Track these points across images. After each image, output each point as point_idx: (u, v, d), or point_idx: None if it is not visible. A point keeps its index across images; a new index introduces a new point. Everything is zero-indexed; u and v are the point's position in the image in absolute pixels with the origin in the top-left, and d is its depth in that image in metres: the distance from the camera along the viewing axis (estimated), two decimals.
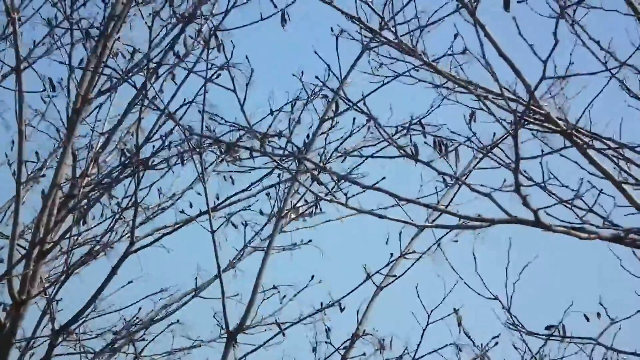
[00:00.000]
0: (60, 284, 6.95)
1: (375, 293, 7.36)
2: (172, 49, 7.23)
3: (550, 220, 5.12)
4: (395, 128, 6.81)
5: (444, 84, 5.38)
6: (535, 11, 5.19)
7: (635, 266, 5.39)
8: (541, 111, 5.26)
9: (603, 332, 5.67)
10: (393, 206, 5.16)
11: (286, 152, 5.41)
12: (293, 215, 7.36)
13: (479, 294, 5.65)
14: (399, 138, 6.72)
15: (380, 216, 5.13)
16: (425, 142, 5.94)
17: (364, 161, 6.59)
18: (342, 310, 7.32)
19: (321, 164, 5.49)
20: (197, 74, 7.06)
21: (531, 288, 6.11)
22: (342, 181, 5.31)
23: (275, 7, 6.55)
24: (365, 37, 5.57)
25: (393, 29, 5.31)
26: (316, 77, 6.15)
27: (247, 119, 5.31)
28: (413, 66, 5.38)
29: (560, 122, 5.24)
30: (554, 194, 5.21)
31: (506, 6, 5.17)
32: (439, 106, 6.91)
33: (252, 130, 5.37)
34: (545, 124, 5.30)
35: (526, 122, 5.29)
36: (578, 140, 5.22)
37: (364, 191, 5.18)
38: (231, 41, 6.28)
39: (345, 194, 5.15)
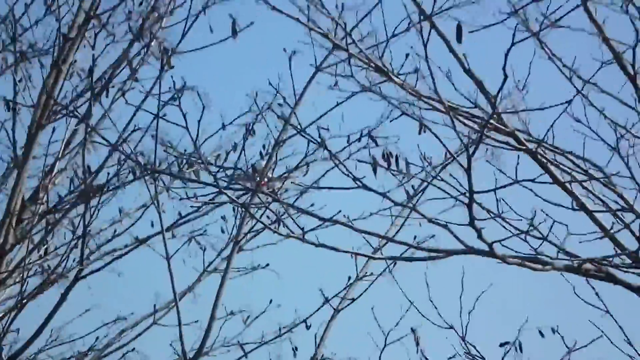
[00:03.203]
0: (15, 314, 6.86)
1: (332, 316, 7.36)
2: (119, 67, 7.21)
3: (504, 252, 5.14)
4: (347, 138, 6.84)
5: (403, 100, 5.36)
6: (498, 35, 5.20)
7: (588, 294, 5.41)
8: (506, 129, 5.26)
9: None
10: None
11: (239, 186, 5.38)
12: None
13: (434, 323, 5.65)
14: (356, 152, 6.73)
15: (336, 249, 5.17)
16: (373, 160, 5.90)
17: (309, 187, 6.52)
18: (308, 328, 7.31)
19: (275, 196, 5.45)
20: (151, 95, 7.03)
21: (487, 315, 6.12)
22: (299, 214, 5.29)
23: (234, 33, 6.48)
24: (323, 50, 5.55)
25: (353, 42, 5.30)
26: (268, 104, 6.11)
27: (201, 157, 5.27)
28: (377, 83, 5.35)
29: (524, 140, 5.23)
30: (509, 224, 5.22)
31: (459, 38, 5.17)
32: (388, 118, 6.88)
33: (205, 163, 5.34)
34: (509, 144, 5.29)
35: (485, 139, 5.27)
36: (542, 160, 5.23)
37: (322, 224, 5.18)
38: (182, 78, 6.22)
39: (302, 229, 5.12)
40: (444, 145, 5.05)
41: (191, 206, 6.88)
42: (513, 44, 4.82)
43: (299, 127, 5.79)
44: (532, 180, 5.08)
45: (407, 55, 5.38)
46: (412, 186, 6.18)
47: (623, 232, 5.23)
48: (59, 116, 7.19)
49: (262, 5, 5.50)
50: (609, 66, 5.27)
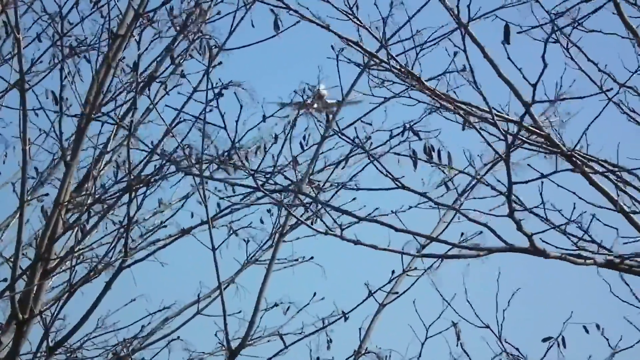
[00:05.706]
0: (64, 302, 7.01)
1: (377, 310, 7.38)
2: (164, 60, 7.33)
3: (544, 246, 5.15)
4: (389, 132, 6.88)
5: (440, 105, 5.41)
6: (531, 36, 5.22)
7: (623, 292, 5.40)
8: (540, 132, 5.26)
9: None
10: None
11: (280, 187, 5.45)
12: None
13: (470, 322, 5.68)
14: (397, 145, 6.79)
15: (375, 247, 5.19)
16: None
17: (344, 181, 6.56)
18: (345, 319, 7.36)
19: (315, 196, 5.51)
20: (197, 91, 7.13)
21: (526, 313, 6.13)
22: (339, 214, 5.34)
23: (276, 27, 6.54)
24: (365, 56, 5.60)
25: (389, 51, 5.34)
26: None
27: (240, 159, 5.35)
28: (409, 86, 5.40)
29: (560, 144, 5.24)
30: (547, 219, 5.23)
31: (506, 39, 5.18)
32: (429, 113, 6.95)
33: (242, 165, 5.42)
34: (544, 145, 5.30)
35: (522, 143, 5.30)
36: (578, 162, 5.23)
37: (358, 222, 5.23)
38: (227, 83, 6.31)
39: (340, 225, 5.17)
40: (485, 140, 5.07)
41: (229, 201, 6.98)
42: (547, 40, 4.82)
43: (338, 128, 5.85)
44: (572, 170, 5.08)
45: (455, 53, 5.40)
46: (450, 183, 6.19)
47: None
48: (107, 112, 7.32)
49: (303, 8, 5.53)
50: None
